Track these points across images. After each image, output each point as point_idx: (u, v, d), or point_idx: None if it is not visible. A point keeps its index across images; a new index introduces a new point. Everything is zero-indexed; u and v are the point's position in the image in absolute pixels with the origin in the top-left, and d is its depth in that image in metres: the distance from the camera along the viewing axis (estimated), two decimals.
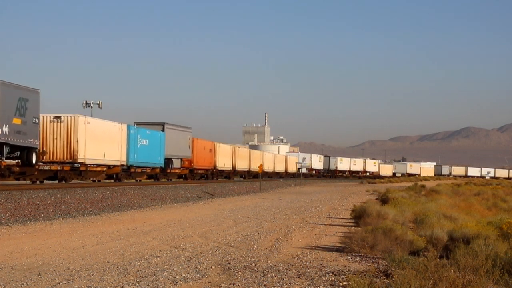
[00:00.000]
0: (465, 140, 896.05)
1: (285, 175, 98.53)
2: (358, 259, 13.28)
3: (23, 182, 35.78)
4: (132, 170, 46.30)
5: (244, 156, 79.02)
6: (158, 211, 27.15)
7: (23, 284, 10.22)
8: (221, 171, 69.76)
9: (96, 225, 20.43)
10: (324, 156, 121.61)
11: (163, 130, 52.44)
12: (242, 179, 76.46)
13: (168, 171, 53.68)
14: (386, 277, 10.69)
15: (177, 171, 56.45)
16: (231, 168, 72.61)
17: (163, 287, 10.04)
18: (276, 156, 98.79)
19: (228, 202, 35.34)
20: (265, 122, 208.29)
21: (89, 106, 77.72)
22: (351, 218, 23.24)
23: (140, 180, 48.48)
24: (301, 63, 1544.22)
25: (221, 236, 17.24)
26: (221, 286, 10.14)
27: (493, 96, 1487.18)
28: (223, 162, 68.93)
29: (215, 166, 66.07)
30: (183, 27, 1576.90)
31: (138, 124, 51.18)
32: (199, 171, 62.45)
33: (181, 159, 56.56)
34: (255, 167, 79.73)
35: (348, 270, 11.71)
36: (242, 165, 77.56)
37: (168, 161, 52.98)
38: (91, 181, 42.27)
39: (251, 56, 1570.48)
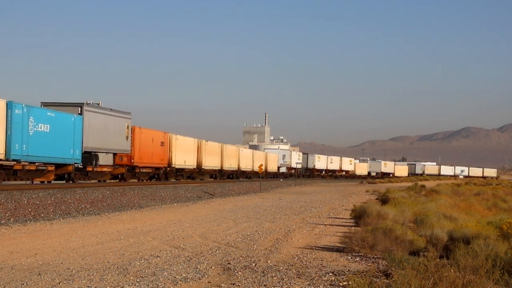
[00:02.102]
0: (465, 140, 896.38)
1: (265, 175, 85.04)
2: (358, 259, 13.28)
3: (23, 182, 35.59)
4: (18, 167, 32.08)
5: (214, 151, 64.85)
6: (158, 211, 27.15)
7: (23, 284, 10.21)
8: (180, 170, 57.02)
9: (96, 225, 20.42)
10: (302, 154, 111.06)
11: (80, 113, 38.84)
12: (212, 179, 65.24)
13: (90, 169, 39.84)
14: (386, 277, 10.69)
15: (106, 169, 42.18)
16: (195, 166, 59.50)
17: (163, 287, 10.04)
18: (255, 153, 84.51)
19: (228, 202, 35.33)
20: (265, 122, 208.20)
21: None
22: (351, 218, 23.24)
23: (45, 182, 35.60)
24: (301, 63, 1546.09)
25: (221, 236, 17.24)
26: (221, 286, 10.14)
27: (493, 96, 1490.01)
28: (183, 159, 56.05)
29: (170, 163, 53.30)
30: (183, 27, 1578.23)
31: (45, 104, 37.93)
32: (144, 170, 48.73)
33: (114, 154, 42.95)
34: (229, 165, 69.71)
35: (348, 270, 11.71)
36: (211, 163, 63.83)
37: (90, 156, 39.59)
38: None
39: (251, 56, 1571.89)
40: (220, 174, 68.39)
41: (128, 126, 44.45)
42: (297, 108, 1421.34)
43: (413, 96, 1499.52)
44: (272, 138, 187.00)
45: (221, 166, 67.44)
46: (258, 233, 18.06)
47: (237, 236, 17.15)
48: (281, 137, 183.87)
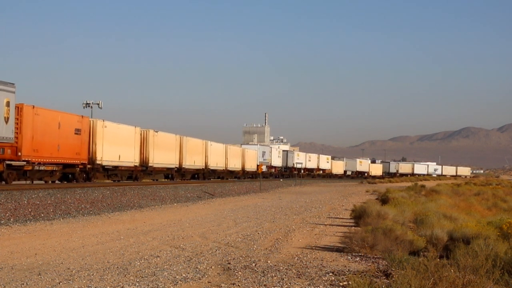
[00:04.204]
0: (465, 140, 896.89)
1: (242, 174, 75.69)
2: (358, 259, 13.27)
3: (23, 182, 35.54)
4: None
5: (168, 145, 51.99)
6: (158, 211, 27.14)
7: (23, 284, 10.21)
8: (112, 169, 43.00)
9: (96, 225, 20.42)
10: (282, 151, 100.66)
11: None
12: (167, 180, 53.82)
13: None
14: (386, 277, 10.68)
15: None
16: (137, 164, 46.32)
17: (163, 287, 10.03)
18: (230, 148, 70.33)
19: (228, 202, 35.32)
20: (265, 122, 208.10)
21: (89, 106, 77.78)
22: (351, 218, 23.23)
23: None
24: (301, 63, 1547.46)
25: (221, 236, 17.23)
26: (221, 286, 10.13)
27: (493, 96, 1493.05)
28: (116, 153, 42.42)
29: (93, 159, 39.77)
30: (183, 27, 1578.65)
31: None
32: (43, 167, 35.23)
33: None
34: (191, 163, 57.70)
35: (348, 270, 11.70)
36: (164, 160, 50.94)
37: None
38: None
39: (251, 56, 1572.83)
40: (180, 174, 56.46)
41: (8, 102, 30.50)
42: (297, 108, 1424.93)
43: (413, 96, 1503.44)
44: (272, 138, 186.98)
45: (180, 164, 55.04)
46: (258, 233, 18.05)
47: (237, 236, 17.15)
48: (281, 137, 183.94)
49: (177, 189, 40.53)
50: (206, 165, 62.12)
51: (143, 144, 47.52)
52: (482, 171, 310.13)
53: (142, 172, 48.23)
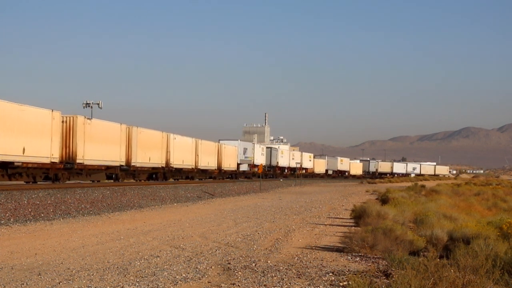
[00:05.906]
0: (465, 140, 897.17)
1: (218, 174, 65.92)
2: (358, 259, 13.27)
3: (23, 182, 35.34)
4: None
5: (109, 138, 40.72)
6: (158, 211, 27.14)
7: (23, 284, 10.21)
8: (13, 166, 31.57)
9: (96, 225, 20.42)
10: (266, 148, 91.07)
11: None
12: (112, 181, 42.64)
13: None
14: (386, 277, 10.67)
15: None
16: (57, 159, 34.91)
17: (163, 287, 10.03)
18: (201, 143, 58.96)
19: (228, 202, 35.32)
20: (265, 122, 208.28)
21: (89, 106, 77.73)
22: (351, 218, 23.23)
23: None
24: (301, 63, 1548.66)
25: (221, 236, 17.23)
26: (221, 286, 10.13)
27: (493, 96, 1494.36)
28: (19, 146, 31.42)
29: None
30: (184, 27, 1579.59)
31: None
32: None
33: None
34: (145, 160, 46.51)
35: (348, 270, 11.70)
36: (103, 155, 39.77)
37: None
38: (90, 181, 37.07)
39: (252, 56, 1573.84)
40: (129, 173, 45.35)
41: None
42: (297, 108, 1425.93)
43: (413, 96, 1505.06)
44: (272, 138, 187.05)
45: (128, 161, 43.87)
46: (258, 233, 18.05)
47: (237, 236, 17.14)
48: (281, 137, 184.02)
49: (177, 189, 40.54)
50: (167, 163, 50.93)
51: (69, 134, 36.40)
52: (482, 171, 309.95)
53: (66, 171, 36.75)
